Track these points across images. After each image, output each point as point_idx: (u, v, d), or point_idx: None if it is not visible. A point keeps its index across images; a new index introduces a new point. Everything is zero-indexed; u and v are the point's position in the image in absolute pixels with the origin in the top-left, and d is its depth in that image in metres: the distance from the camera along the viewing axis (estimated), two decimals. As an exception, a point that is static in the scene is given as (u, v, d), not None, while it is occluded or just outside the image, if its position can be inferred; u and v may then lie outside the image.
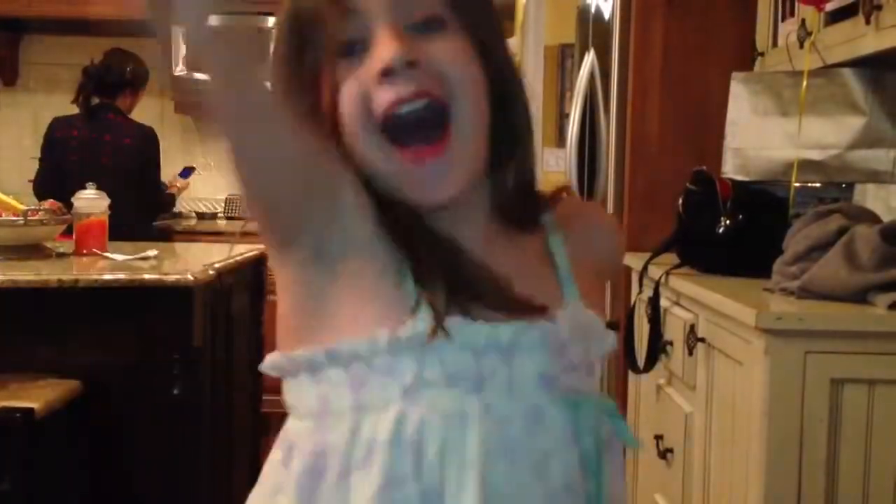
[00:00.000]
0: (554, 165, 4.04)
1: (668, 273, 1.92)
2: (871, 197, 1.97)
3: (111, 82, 3.32)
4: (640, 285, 2.16)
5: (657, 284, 1.94)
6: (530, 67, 4.30)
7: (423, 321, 0.64)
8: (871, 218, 1.60)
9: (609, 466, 0.70)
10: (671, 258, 1.97)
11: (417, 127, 0.66)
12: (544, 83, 4.26)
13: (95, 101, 3.30)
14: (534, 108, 0.77)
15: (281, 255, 0.69)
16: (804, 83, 1.85)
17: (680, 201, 1.97)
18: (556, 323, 0.69)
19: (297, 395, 0.70)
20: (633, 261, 2.33)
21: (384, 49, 0.66)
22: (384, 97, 0.66)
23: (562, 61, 4.23)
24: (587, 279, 0.76)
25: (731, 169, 2.05)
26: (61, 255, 2.33)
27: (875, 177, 1.94)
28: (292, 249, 0.68)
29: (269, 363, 0.72)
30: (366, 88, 0.67)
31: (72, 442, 2.06)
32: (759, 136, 2.02)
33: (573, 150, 2.97)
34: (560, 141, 4.03)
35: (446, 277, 0.66)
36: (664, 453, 1.92)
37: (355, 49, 0.68)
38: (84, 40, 4.12)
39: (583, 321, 0.71)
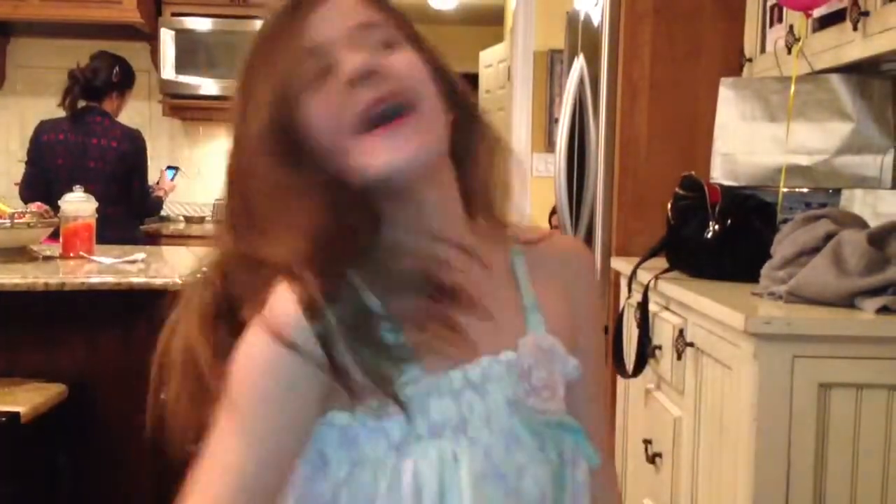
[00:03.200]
0: (543, 170, 4.05)
1: (656, 278, 1.92)
2: (858, 202, 1.98)
3: (98, 85, 3.31)
4: (629, 290, 2.16)
5: (646, 289, 1.94)
6: (519, 72, 4.31)
7: (409, 379, 0.69)
8: (859, 223, 1.61)
9: (572, 481, 0.76)
10: (660, 263, 1.98)
11: (389, 114, 0.71)
12: (533, 88, 4.28)
13: (82, 104, 3.29)
14: (505, 136, 0.83)
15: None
16: (792, 89, 1.86)
17: (669, 206, 1.98)
18: (518, 351, 0.75)
19: None
20: (622, 265, 2.34)
21: (349, 62, 0.71)
22: (360, 99, 0.71)
23: (551, 66, 4.25)
24: (554, 304, 0.80)
25: (719, 174, 2.05)
26: (48, 259, 2.31)
27: (862, 182, 1.95)
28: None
29: None
30: (339, 99, 0.71)
31: (58, 446, 2.04)
32: (748, 141, 2.03)
33: (562, 155, 2.97)
34: (549, 146, 4.05)
35: (432, 329, 0.70)
36: (653, 458, 1.93)
37: (325, 75, 0.72)
38: (71, 43, 4.11)
39: (545, 347, 0.76)
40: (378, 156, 0.71)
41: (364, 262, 0.70)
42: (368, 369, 0.67)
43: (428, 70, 0.75)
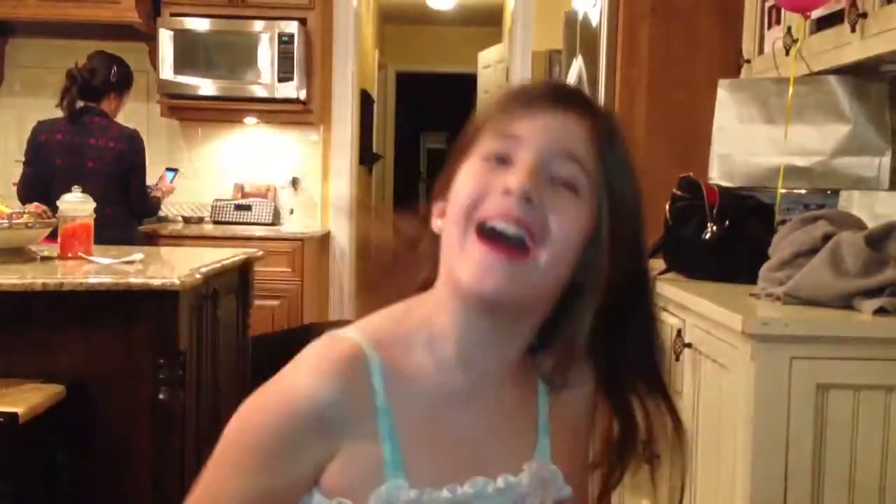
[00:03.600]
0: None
1: (654, 279, 1.92)
2: (855, 203, 1.98)
3: (95, 85, 3.31)
4: (627, 291, 2.16)
5: (644, 290, 1.94)
6: (518, 73, 4.31)
7: (392, 489, 0.72)
8: (857, 224, 1.61)
9: None
10: (658, 264, 1.98)
11: (506, 237, 0.73)
12: (532, 89, 4.28)
13: (80, 104, 3.28)
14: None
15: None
16: (790, 90, 1.86)
17: (667, 207, 1.98)
18: (518, 476, 0.77)
19: None
20: (620, 266, 2.33)
21: (520, 174, 0.74)
22: (497, 204, 0.74)
23: (549, 67, 4.25)
24: (564, 435, 0.83)
25: (717, 175, 2.06)
26: (46, 259, 2.31)
27: (860, 183, 1.96)
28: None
29: None
30: (486, 191, 0.75)
31: (56, 446, 2.04)
32: (746, 142, 2.03)
33: (560, 155, 2.98)
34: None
35: (426, 446, 0.74)
36: (651, 459, 1.92)
37: (501, 159, 0.76)
38: (70, 43, 4.10)
39: (545, 476, 0.79)
40: (477, 273, 0.73)
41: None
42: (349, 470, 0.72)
43: (587, 228, 0.75)
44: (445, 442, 0.75)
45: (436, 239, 0.78)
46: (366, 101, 5.38)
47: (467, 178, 0.76)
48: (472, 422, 0.77)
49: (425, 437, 0.75)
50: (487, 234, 0.73)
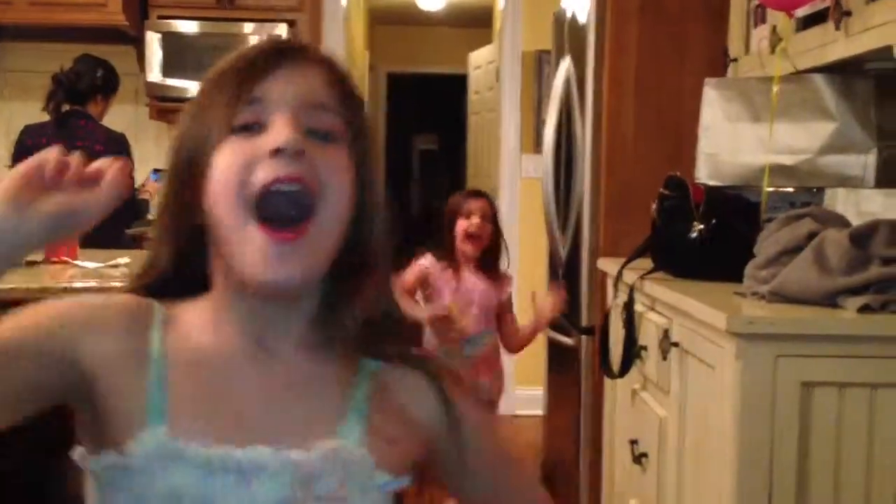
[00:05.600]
0: (532, 172, 4.05)
1: (642, 278, 1.92)
2: (841, 201, 1.99)
3: (81, 89, 3.29)
4: (616, 290, 2.16)
5: (631, 289, 1.94)
6: (507, 73, 4.31)
7: (151, 439, 0.69)
8: (841, 222, 1.61)
9: None
10: (646, 263, 1.98)
11: (286, 208, 0.71)
12: (522, 89, 4.28)
13: (66, 107, 3.27)
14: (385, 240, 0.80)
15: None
16: (775, 89, 1.86)
17: (654, 206, 1.98)
18: (308, 453, 0.72)
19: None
20: (609, 266, 2.34)
21: (280, 132, 0.72)
22: (268, 171, 0.71)
23: (539, 67, 4.24)
24: (389, 424, 0.77)
25: (704, 174, 2.06)
26: (31, 263, 2.30)
27: (846, 181, 1.96)
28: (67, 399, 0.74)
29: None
30: (251, 160, 0.72)
31: (37, 452, 2.03)
32: (732, 141, 2.03)
33: (549, 156, 2.97)
34: (539, 148, 4.04)
35: (195, 398, 0.72)
36: (639, 458, 1.92)
37: (251, 128, 0.73)
38: (58, 47, 4.08)
39: (346, 458, 0.73)
40: (263, 265, 0.71)
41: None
42: (111, 408, 0.71)
43: (351, 173, 0.75)
44: (222, 407, 0.73)
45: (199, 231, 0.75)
46: (356, 102, 5.37)
47: (225, 156, 0.72)
48: (256, 392, 0.74)
49: (200, 398, 0.72)
50: (267, 207, 0.71)
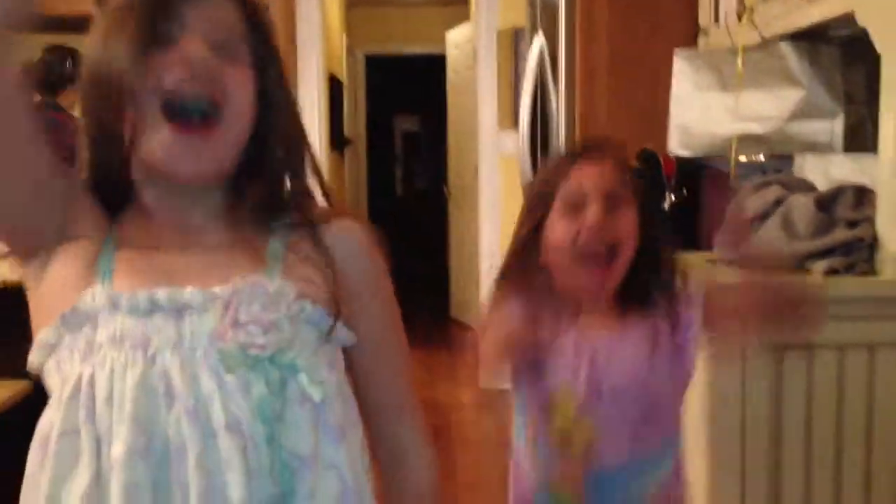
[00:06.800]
0: (511, 147, 4.06)
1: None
2: (810, 168, 2.01)
3: (52, 80, 3.27)
4: (592, 263, 2.18)
5: (607, 261, 1.96)
6: (484, 51, 4.31)
7: (97, 294, 0.78)
8: (808, 187, 1.63)
9: (294, 418, 0.77)
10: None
11: (193, 111, 0.78)
12: (499, 67, 4.27)
13: (37, 99, 3.25)
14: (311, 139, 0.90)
15: (24, 266, 0.85)
16: (740, 57, 1.87)
17: (627, 179, 1.99)
18: (229, 285, 0.79)
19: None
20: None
21: (189, 45, 0.79)
22: (178, 71, 0.78)
23: (516, 45, 4.24)
24: (303, 269, 0.84)
25: (675, 145, 2.07)
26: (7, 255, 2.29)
27: (814, 147, 1.98)
28: (31, 262, 0.84)
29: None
30: (162, 67, 0.79)
31: (21, 443, 2.03)
32: (702, 111, 2.05)
33: (525, 133, 2.99)
34: (516, 124, 4.05)
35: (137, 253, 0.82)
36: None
37: (160, 41, 0.80)
38: (29, 38, 4.05)
39: (267, 287, 0.79)
40: (175, 159, 0.79)
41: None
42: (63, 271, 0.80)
43: (252, 87, 0.82)
44: (156, 265, 0.81)
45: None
46: (335, 85, 5.35)
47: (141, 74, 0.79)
48: (184, 253, 0.82)
49: (138, 261, 0.81)
50: (174, 112, 0.78)
